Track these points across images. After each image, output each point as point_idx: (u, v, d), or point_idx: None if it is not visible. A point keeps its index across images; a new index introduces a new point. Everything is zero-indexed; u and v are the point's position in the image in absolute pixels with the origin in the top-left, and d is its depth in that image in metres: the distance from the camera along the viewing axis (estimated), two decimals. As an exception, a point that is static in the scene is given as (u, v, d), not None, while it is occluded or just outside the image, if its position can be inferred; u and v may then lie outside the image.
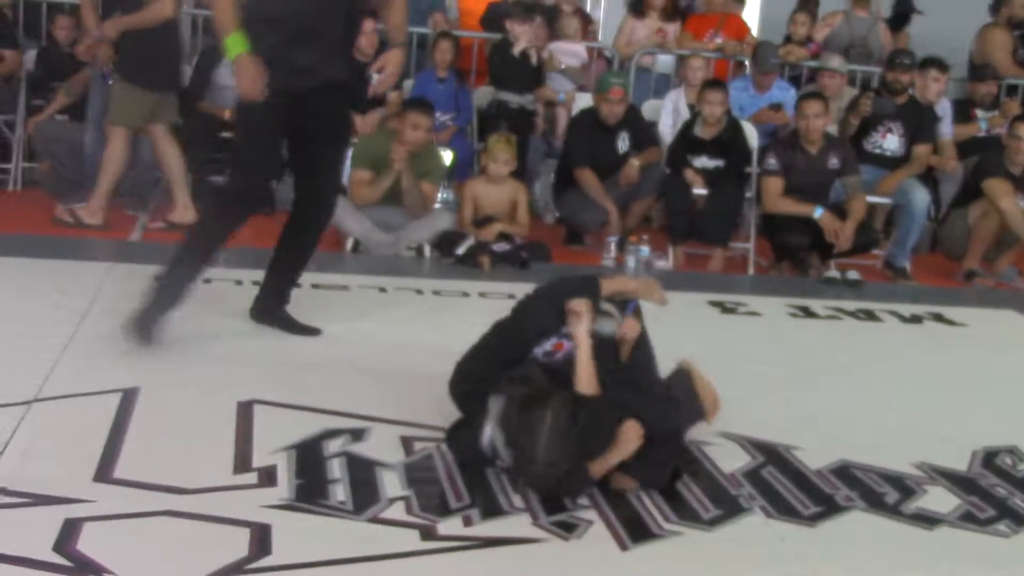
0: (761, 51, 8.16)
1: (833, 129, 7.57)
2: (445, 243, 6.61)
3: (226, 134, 7.71)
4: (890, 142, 7.74)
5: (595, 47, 8.98)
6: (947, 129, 8.24)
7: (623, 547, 3.09)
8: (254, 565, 2.79)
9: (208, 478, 3.25)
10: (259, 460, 3.42)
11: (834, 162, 7.13)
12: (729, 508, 3.38)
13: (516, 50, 7.74)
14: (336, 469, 3.42)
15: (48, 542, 2.79)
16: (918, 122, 7.77)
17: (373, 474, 3.40)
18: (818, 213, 7.01)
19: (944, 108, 8.23)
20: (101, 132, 7.03)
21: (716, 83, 7.56)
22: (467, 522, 3.13)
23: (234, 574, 2.74)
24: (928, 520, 3.45)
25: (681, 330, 5.41)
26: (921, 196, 7.42)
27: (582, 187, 7.34)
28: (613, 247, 7.27)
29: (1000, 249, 7.60)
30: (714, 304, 6.11)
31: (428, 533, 3.05)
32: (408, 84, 7.98)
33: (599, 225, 7.34)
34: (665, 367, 3.87)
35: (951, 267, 7.71)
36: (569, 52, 8.47)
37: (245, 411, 3.82)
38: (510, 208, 6.91)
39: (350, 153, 7.12)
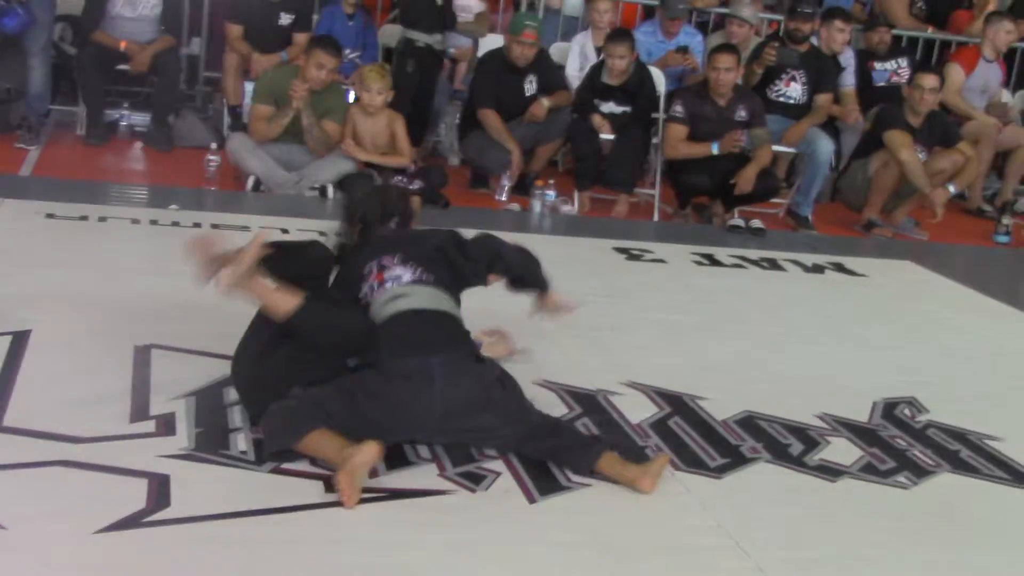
0: (669, -3, 8.10)
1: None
2: (349, 184, 6.48)
3: (122, 66, 7.48)
4: (793, 90, 7.77)
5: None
6: (850, 79, 8.31)
7: (531, 499, 3.06)
8: (152, 518, 2.71)
9: (103, 427, 3.15)
10: (157, 408, 3.32)
11: (742, 114, 7.09)
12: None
13: (423, -13, 7.56)
14: (237, 417, 3.33)
15: (-67, 494, 2.67)
16: (820, 72, 7.82)
17: (275, 423, 3.32)
18: (715, 148, 7.01)
19: (848, 58, 8.29)
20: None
21: (620, 34, 7.41)
22: (373, 473, 3.07)
23: (131, 527, 2.65)
24: (831, 471, 3.48)
25: (586, 276, 5.43)
26: (825, 145, 7.48)
27: (486, 129, 7.26)
28: (507, 188, 7.21)
29: (899, 200, 7.70)
30: (619, 250, 6.09)
31: (332, 485, 2.98)
32: (314, 19, 7.79)
33: (502, 167, 7.26)
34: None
35: (851, 217, 7.79)
36: (461, 7, 8.22)
37: (143, 356, 3.71)
38: (388, 138, 6.77)
39: (252, 87, 6.95)
